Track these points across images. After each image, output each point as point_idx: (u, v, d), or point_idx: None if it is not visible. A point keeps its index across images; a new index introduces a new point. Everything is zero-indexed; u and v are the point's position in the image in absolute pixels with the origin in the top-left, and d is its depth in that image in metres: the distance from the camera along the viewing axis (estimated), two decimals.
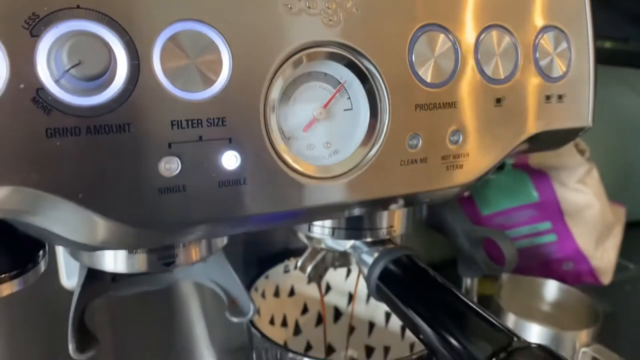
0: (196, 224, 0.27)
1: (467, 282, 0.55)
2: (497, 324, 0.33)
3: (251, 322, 0.45)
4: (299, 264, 0.48)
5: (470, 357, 0.33)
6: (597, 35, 0.36)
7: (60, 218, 0.25)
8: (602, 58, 0.38)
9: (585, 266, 0.78)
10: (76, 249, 0.35)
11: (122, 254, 0.35)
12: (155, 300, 0.53)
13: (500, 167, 0.77)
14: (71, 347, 0.36)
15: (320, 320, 0.57)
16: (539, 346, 0.31)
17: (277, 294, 0.54)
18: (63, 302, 0.44)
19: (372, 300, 0.57)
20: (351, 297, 0.57)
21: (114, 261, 0.35)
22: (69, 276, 0.45)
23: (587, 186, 0.73)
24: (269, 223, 0.32)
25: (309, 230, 0.42)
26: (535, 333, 0.57)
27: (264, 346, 0.44)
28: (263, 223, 0.31)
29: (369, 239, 0.42)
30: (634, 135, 1.05)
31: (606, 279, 0.80)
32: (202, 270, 0.45)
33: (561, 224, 0.75)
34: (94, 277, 0.38)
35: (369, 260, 0.41)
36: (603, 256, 0.78)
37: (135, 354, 0.54)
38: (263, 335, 0.44)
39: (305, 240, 0.45)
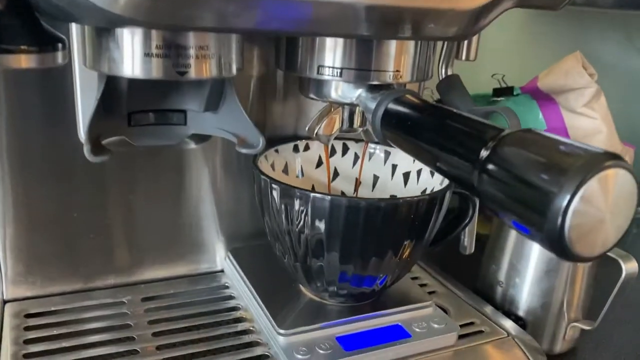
0: None
1: None
2: (490, 124, 0.35)
3: (260, 172, 0.47)
4: (307, 126, 0.50)
5: (465, 154, 0.34)
6: None
7: None
8: None
9: None
10: (95, 22, 0.36)
11: (138, 58, 0.37)
12: (165, 172, 0.54)
13: (510, 92, 0.78)
14: (86, 149, 0.38)
15: None
16: (527, 129, 0.32)
17: (285, 171, 0.56)
18: (78, 155, 0.46)
19: (378, 186, 0.58)
20: (357, 183, 0.59)
21: (131, 65, 0.37)
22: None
23: (594, 111, 0.74)
24: (281, 18, 0.33)
25: (318, 72, 0.43)
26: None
27: (269, 188, 0.45)
28: (274, 16, 0.33)
29: (375, 82, 0.43)
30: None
31: None
32: (212, 120, 0.47)
33: None
34: (112, 94, 0.40)
35: (373, 104, 0.43)
36: None
37: (141, 227, 0.55)
38: (268, 177, 0.45)
39: (314, 96, 0.47)
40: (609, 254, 0.56)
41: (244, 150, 0.44)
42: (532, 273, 0.59)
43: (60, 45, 0.34)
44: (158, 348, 0.47)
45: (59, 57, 0.35)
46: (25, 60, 0.32)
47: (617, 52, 1.12)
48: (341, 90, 0.45)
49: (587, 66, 0.72)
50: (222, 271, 0.60)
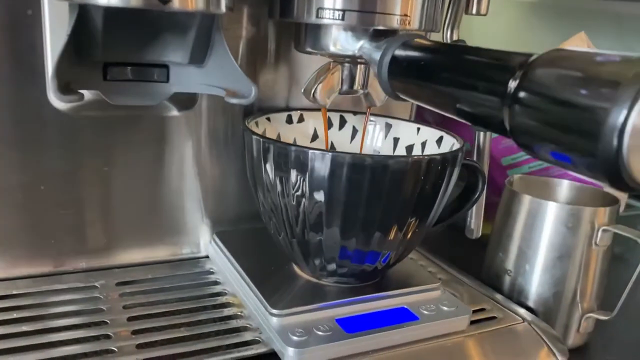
0: None
1: (480, 137, 0.51)
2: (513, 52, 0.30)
3: (251, 131, 0.42)
4: (303, 88, 0.46)
5: (492, 86, 0.30)
6: None
7: None
8: None
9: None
10: None
11: None
12: (145, 143, 0.49)
13: None
14: (52, 87, 0.33)
15: None
16: (557, 49, 0.28)
17: None
18: (47, 119, 0.41)
19: None
20: None
21: None
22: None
23: None
24: None
25: (318, 16, 0.39)
26: (552, 210, 0.54)
27: (262, 150, 0.40)
28: None
29: (380, 27, 0.39)
30: None
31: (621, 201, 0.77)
32: (198, 75, 0.42)
33: None
34: (85, 34, 0.35)
35: (379, 54, 0.38)
36: None
37: (117, 204, 0.50)
38: (262, 136, 0.41)
39: (311, 49, 0.42)
40: (625, 233, 0.52)
41: (233, 101, 0.39)
42: (542, 259, 0.55)
43: None
44: (134, 333, 0.42)
45: None
46: None
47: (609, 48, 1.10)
48: (341, 41, 0.41)
49: (592, 47, 0.69)
50: (206, 257, 0.54)
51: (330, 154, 0.38)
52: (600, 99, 0.24)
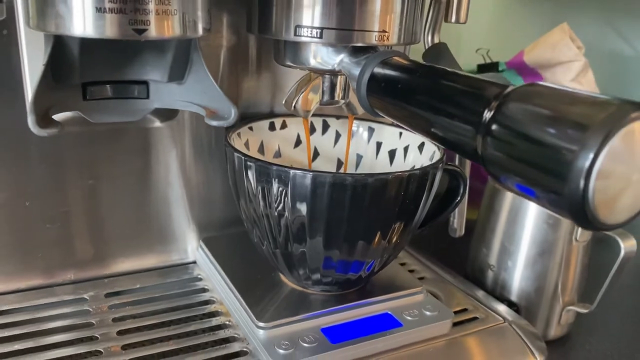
0: None
1: None
2: (491, 81, 0.31)
3: (233, 148, 0.42)
4: (284, 100, 0.46)
5: (465, 116, 0.30)
6: None
7: None
8: None
9: None
10: None
11: (90, 12, 0.32)
12: (130, 155, 0.49)
13: (495, 67, 0.75)
14: (30, 120, 0.33)
15: None
16: (533, 83, 0.28)
17: (261, 150, 0.51)
18: (29, 134, 0.41)
19: (362, 166, 0.54)
20: (340, 164, 0.54)
21: (82, 22, 0.32)
22: None
23: (582, 85, 0.71)
24: None
25: (296, 33, 0.39)
26: (534, 207, 0.55)
27: (244, 167, 0.41)
28: None
29: (358, 44, 0.39)
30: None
31: None
32: (178, 92, 0.42)
33: None
34: (62, 60, 0.35)
35: (358, 70, 0.38)
36: None
37: (104, 216, 0.50)
38: (243, 154, 0.41)
39: (291, 63, 0.42)
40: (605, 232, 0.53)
41: (214, 123, 0.39)
42: (524, 255, 0.56)
43: None
44: (123, 348, 0.42)
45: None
46: None
47: (597, 33, 1.10)
48: (321, 56, 0.41)
49: (574, 38, 0.69)
50: (194, 262, 0.55)
51: (311, 174, 0.38)
52: (569, 141, 0.24)
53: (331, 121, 0.54)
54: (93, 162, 0.48)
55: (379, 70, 0.37)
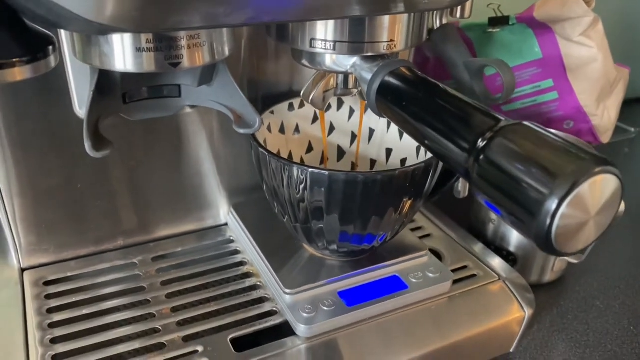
0: None
1: None
2: (487, 111, 0.35)
3: (258, 144, 0.48)
4: (302, 92, 0.50)
5: (460, 141, 0.35)
6: None
7: None
8: None
9: (585, 125, 0.79)
10: (83, 31, 0.36)
11: (130, 52, 0.36)
12: (164, 138, 0.55)
13: (505, 21, 0.76)
14: (87, 146, 0.39)
15: (324, 159, 0.60)
16: (521, 123, 0.33)
17: (282, 130, 0.56)
18: (76, 128, 0.46)
19: (374, 139, 0.59)
20: (354, 137, 0.59)
21: (123, 60, 0.37)
22: (81, 104, 0.47)
23: (591, 39, 0.73)
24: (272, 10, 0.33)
25: (311, 46, 0.43)
26: None
27: (268, 161, 0.47)
28: (266, 10, 0.32)
29: (369, 54, 0.43)
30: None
31: (605, 138, 0.82)
32: (207, 93, 0.47)
33: (563, 80, 0.76)
34: (105, 80, 0.40)
35: (369, 76, 0.42)
36: (604, 114, 0.79)
37: (145, 192, 0.57)
38: (269, 151, 0.46)
39: (307, 64, 0.46)
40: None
41: (241, 131, 0.44)
42: None
43: (51, 48, 0.34)
44: (173, 310, 0.51)
45: (52, 61, 0.34)
46: (19, 73, 0.32)
47: None
48: (335, 60, 0.45)
49: None
50: (226, 224, 0.62)
51: (327, 172, 0.44)
52: (541, 185, 0.29)
53: (346, 98, 0.58)
54: (133, 147, 0.54)
55: (388, 79, 0.41)
